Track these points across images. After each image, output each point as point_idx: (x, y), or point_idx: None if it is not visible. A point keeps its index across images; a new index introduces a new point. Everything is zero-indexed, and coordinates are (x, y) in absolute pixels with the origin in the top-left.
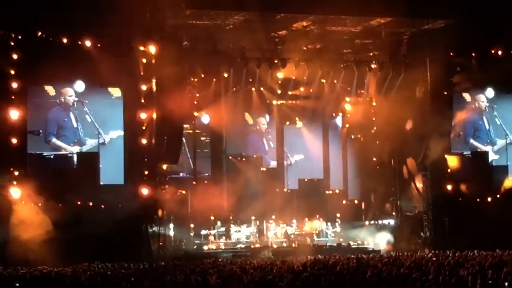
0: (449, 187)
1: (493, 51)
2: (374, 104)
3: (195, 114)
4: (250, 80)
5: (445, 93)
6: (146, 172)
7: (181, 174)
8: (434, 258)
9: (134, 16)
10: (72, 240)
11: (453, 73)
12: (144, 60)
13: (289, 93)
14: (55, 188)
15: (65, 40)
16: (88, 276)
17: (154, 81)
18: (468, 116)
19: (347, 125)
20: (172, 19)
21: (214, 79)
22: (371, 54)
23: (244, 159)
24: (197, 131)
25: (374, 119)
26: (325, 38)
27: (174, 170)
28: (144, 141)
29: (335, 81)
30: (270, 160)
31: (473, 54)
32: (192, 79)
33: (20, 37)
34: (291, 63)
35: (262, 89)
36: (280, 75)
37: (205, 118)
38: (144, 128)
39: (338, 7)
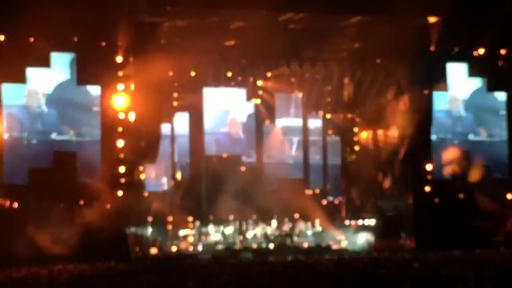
0: (427, 188)
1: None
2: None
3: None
4: (230, 75)
5: (425, 92)
6: (123, 171)
7: None
8: (414, 259)
9: (111, 13)
10: (47, 241)
11: (433, 71)
12: (121, 59)
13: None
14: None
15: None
16: (64, 277)
17: (131, 79)
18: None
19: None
20: (150, 17)
21: (194, 73)
22: (351, 53)
23: (223, 159)
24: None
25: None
26: (304, 36)
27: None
28: (121, 142)
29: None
30: (250, 160)
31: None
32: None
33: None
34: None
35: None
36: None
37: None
38: (121, 128)
39: (316, 4)
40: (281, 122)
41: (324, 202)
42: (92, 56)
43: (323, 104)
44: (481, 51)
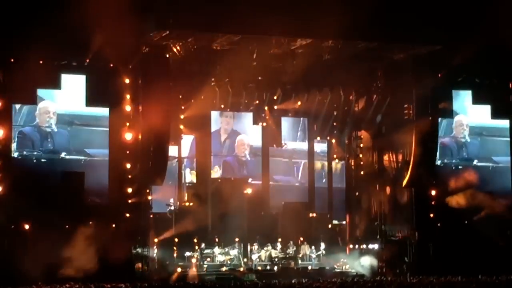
0: (431, 214)
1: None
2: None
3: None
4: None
5: (430, 118)
6: (130, 191)
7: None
8: (417, 284)
9: (119, 36)
10: (55, 260)
11: (438, 98)
12: (128, 81)
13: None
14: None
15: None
16: None
17: (140, 101)
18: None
19: (334, 150)
20: (159, 40)
21: (202, 96)
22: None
23: (229, 181)
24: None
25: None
26: (312, 61)
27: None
28: (128, 165)
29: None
30: (255, 182)
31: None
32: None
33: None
34: (279, 85)
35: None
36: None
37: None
38: (129, 150)
39: (323, 31)
40: (287, 146)
41: (329, 225)
42: (101, 78)
43: (329, 129)
44: (485, 79)
